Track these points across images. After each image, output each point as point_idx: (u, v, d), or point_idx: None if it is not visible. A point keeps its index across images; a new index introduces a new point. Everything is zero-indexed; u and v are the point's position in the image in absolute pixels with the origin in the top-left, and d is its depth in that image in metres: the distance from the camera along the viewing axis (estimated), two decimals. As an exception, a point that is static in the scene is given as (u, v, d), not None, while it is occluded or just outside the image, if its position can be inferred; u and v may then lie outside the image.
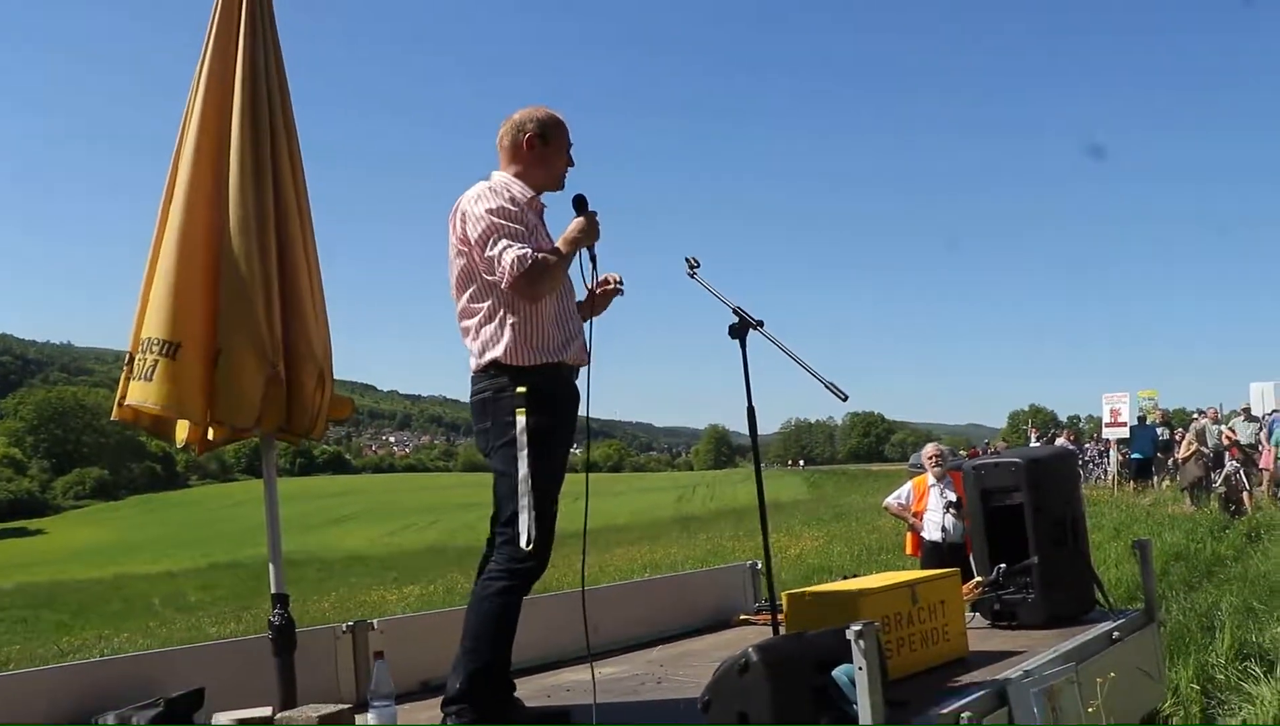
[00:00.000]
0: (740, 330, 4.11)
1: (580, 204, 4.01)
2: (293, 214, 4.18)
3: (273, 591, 4.15)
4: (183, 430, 4.19)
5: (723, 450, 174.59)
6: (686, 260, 4.25)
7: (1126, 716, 5.04)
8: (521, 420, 3.73)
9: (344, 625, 4.81)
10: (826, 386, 4.00)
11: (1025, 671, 4.26)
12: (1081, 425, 62.88)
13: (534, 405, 3.76)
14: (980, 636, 5.35)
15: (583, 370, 4.09)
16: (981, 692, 3.92)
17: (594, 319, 4.19)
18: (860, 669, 3.10)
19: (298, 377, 4.10)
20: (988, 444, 47.97)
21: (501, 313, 3.85)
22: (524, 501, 3.69)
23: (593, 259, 4.04)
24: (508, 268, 3.72)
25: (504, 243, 3.75)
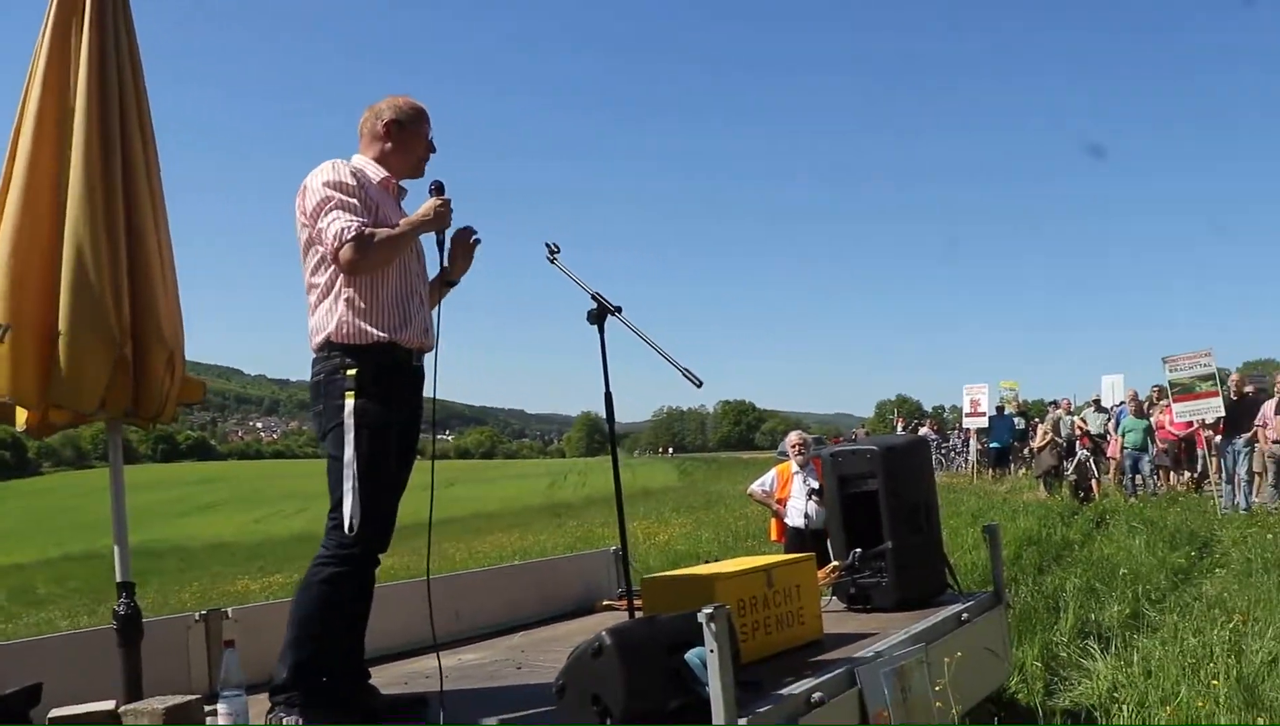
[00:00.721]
0: (598, 316, 4.14)
1: (436, 190, 3.99)
2: (143, 191, 4.05)
3: (118, 579, 4.02)
4: (23, 414, 4.04)
5: (595, 437, 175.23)
6: (546, 245, 4.25)
7: (973, 693, 5.21)
8: (350, 402, 3.70)
9: (197, 614, 4.71)
10: (682, 372, 4.06)
11: (876, 652, 4.40)
12: (946, 415, 64.67)
13: (364, 387, 3.72)
14: (836, 619, 5.49)
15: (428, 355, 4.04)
16: (832, 673, 4.02)
17: (460, 280, 4.20)
18: (711, 651, 3.15)
19: (146, 360, 3.98)
20: (854, 433, 49.02)
21: (337, 288, 3.80)
22: (348, 485, 3.64)
23: (440, 246, 4.03)
24: (331, 239, 3.71)
25: (334, 214, 3.73)
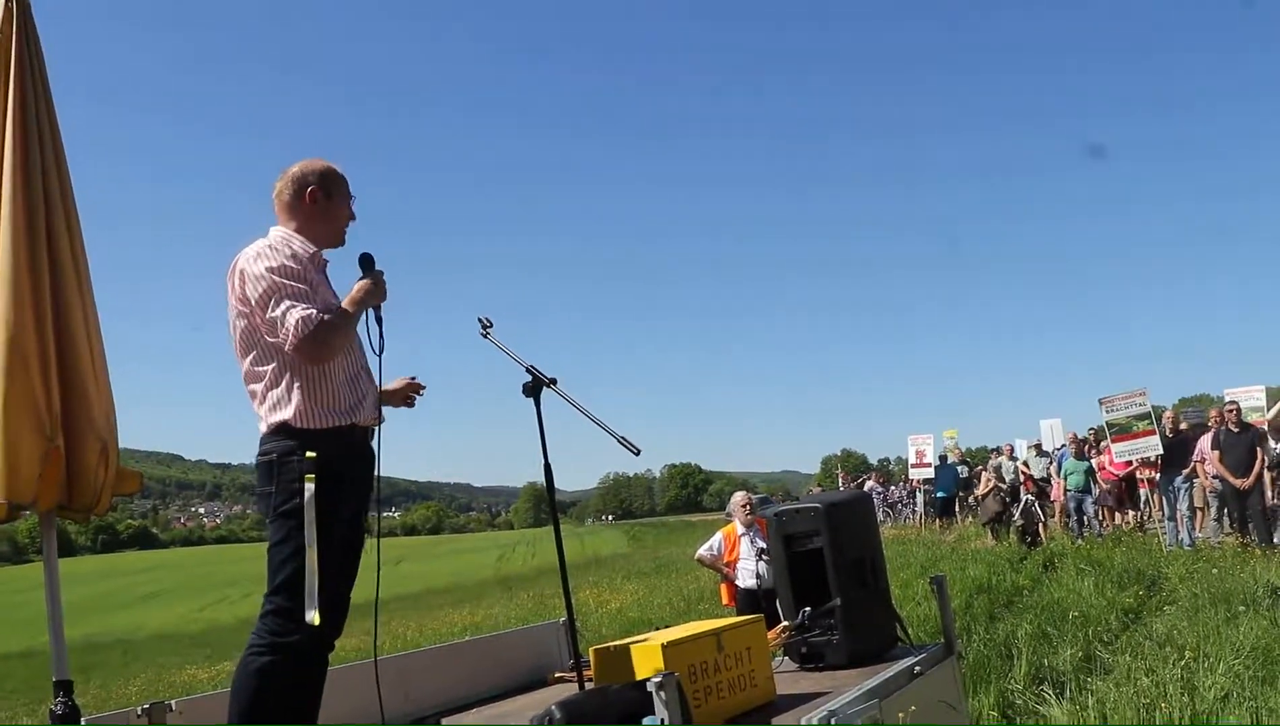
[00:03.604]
0: (534, 389, 4.14)
1: (367, 263, 3.91)
2: (69, 275, 3.97)
3: (55, 679, 3.91)
4: (-48, 512, 3.94)
5: (542, 508, 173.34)
6: (479, 320, 4.25)
7: (929, 748, 5.19)
8: (310, 488, 3.57)
9: (139, 708, 4.57)
10: (619, 441, 4.06)
11: (829, 711, 4.36)
12: (892, 467, 65.23)
13: (323, 472, 3.60)
14: (789, 679, 5.45)
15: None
16: (786, 735, 3.99)
17: (390, 385, 4.14)
18: (662, 720, 3.12)
19: (78, 452, 3.89)
20: (810, 491, 49.36)
21: (288, 375, 3.70)
22: (307, 569, 3.53)
23: (379, 320, 3.94)
24: (291, 329, 3.58)
25: (286, 303, 3.61)
